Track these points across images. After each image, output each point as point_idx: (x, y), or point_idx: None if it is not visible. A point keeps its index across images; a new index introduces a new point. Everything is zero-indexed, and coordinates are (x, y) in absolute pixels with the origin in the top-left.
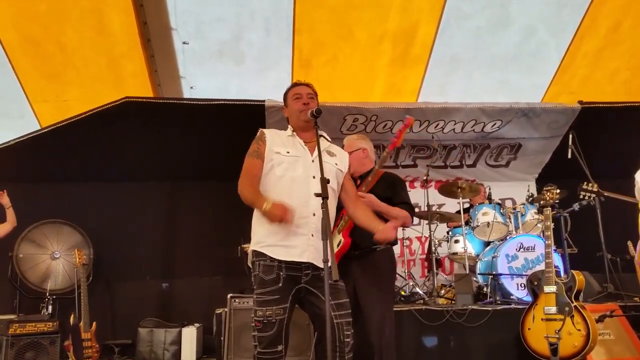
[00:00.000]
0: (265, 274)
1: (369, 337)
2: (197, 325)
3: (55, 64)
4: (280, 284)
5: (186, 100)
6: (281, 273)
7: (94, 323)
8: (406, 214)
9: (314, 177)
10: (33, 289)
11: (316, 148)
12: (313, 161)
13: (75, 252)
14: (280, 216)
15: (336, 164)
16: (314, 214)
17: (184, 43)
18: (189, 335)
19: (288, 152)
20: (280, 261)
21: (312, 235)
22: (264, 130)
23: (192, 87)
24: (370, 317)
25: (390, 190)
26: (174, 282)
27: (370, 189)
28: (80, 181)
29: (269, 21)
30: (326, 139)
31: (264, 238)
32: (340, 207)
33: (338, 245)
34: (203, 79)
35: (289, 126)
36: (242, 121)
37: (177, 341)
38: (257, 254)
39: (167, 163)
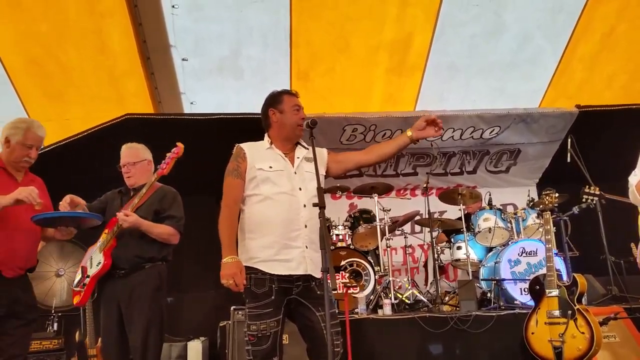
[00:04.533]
0: (257, 287)
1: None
2: (202, 338)
3: (56, 83)
4: (273, 297)
5: (187, 115)
6: (273, 286)
7: (99, 339)
8: (170, 230)
9: (300, 189)
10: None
11: (296, 159)
12: (296, 172)
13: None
14: (232, 278)
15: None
16: (306, 226)
17: (183, 60)
18: (195, 349)
19: (271, 167)
20: (272, 274)
21: (307, 247)
22: (242, 145)
23: (192, 103)
24: (134, 340)
25: (159, 204)
26: (179, 296)
27: (143, 202)
28: (83, 198)
29: (267, 36)
30: (303, 146)
31: (257, 253)
32: (104, 223)
33: (98, 266)
34: (203, 95)
35: (266, 137)
36: (243, 134)
37: (183, 355)
38: (248, 268)
39: (170, 178)
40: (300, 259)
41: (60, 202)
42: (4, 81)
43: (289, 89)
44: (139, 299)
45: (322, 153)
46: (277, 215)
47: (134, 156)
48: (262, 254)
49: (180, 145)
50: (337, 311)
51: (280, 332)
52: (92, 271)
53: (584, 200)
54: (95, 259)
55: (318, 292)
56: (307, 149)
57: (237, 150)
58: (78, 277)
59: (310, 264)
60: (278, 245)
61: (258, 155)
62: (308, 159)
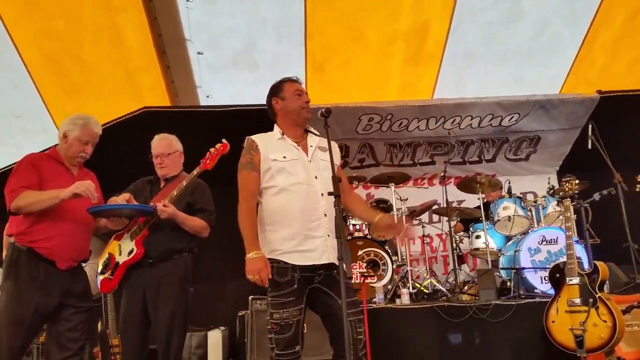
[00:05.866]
0: (280, 276)
1: (157, 347)
2: (222, 328)
3: (74, 79)
4: (296, 285)
5: (202, 107)
6: (295, 274)
7: None
8: (203, 223)
9: (316, 177)
10: None
11: (309, 147)
12: (310, 161)
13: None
14: (258, 273)
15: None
16: (325, 215)
17: (198, 53)
18: (215, 339)
19: (285, 157)
20: (295, 264)
21: (328, 235)
22: (253, 137)
23: (208, 96)
24: (159, 330)
25: (192, 196)
26: (200, 286)
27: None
28: (103, 190)
29: (281, 28)
30: (314, 134)
31: (279, 245)
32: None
33: (130, 254)
34: (218, 88)
35: (276, 127)
36: (259, 125)
37: (203, 344)
38: (270, 259)
39: (188, 169)
40: (323, 248)
41: (118, 198)
42: (24, 78)
43: (290, 76)
44: (166, 289)
45: (336, 149)
46: (296, 206)
47: (167, 147)
48: (284, 246)
49: (225, 142)
50: (357, 299)
51: (302, 321)
52: (122, 258)
53: (637, 189)
54: (126, 247)
55: (339, 280)
56: (319, 136)
57: (248, 143)
58: (102, 264)
59: (333, 252)
60: (300, 236)
61: (270, 146)
62: (322, 147)
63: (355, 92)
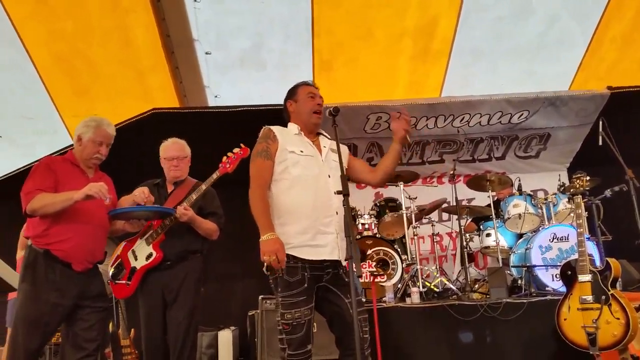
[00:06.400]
0: (290, 275)
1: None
2: (232, 328)
3: (83, 79)
4: (306, 284)
5: (211, 108)
6: (305, 274)
7: (132, 329)
8: (215, 227)
9: (329, 176)
10: None
11: (323, 147)
12: (323, 160)
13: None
14: (275, 254)
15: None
16: (337, 212)
17: (206, 53)
18: (225, 338)
19: (302, 152)
20: (304, 261)
21: (338, 233)
22: (272, 127)
23: (216, 96)
24: (175, 329)
25: (203, 200)
26: (210, 286)
27: (184, 197)
28: (110, 192)
29: (288, 27)
30: (326, 137)
31: (290, 239)
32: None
33: (148, 259)
34: (227, 88)
35: (293, 124)
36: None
37: (214, 344)
38: None
39: (198, 169)
40: (334, 244)
41: (137, 193)
42: (34, 79)
43: (306, 80)
44: (184, 289)
45: (344, 150)
46: (309, 200)
47: (181, 150)
48: (296, 240)
49: (244, 146)
50: (363, 299)
51: (312, 320)
52: (139, 263)
53: None
54: (142, 252)
55: (346, 279)
56: (330, 139)
57: (265, 132)
58: (113, 270)
59: (343, 251)
60: (313, 230)
61: (289, 138)
62: (334, 149)
63: (363, 90)
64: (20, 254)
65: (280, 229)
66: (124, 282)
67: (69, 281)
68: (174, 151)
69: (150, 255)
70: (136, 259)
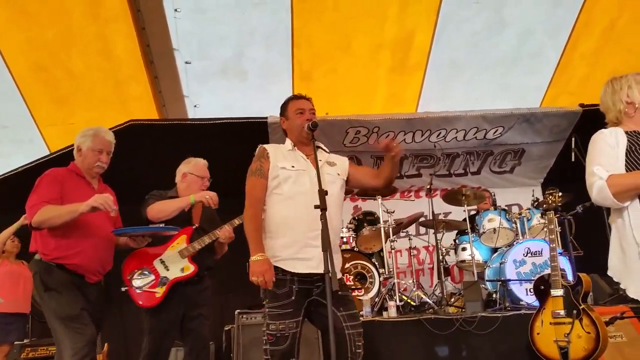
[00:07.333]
0: (278, 287)
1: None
2: (209, 343)
3: (62, 88)
4: (293, 297)
5: (190, 120)
6: (294, 286)
7: (106, 344)
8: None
9: None
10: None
11: (319, 161)
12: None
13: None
14: (263, 275)
15: (338, 174)
16: None
17: (186, 63)
18: None
19: (293, 167)
20: (292, 274)
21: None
22: (265, 146)
23: (195, 106)
24: (200, 340)
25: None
26: None
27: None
28: None
29: (269, 37)
30: (324, 150)
31: (278, 252)
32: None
33: (184, 271)
34: (207, 97)
35: (288, 140)
36: (246, 138)
37: None
38: None
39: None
40: (320, 257)
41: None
42: (11, 87)
43: (295, 94)
44: (208, 304)
45: (343, 162)
46: (297, 215)
47: (204, 171)
48: (283, 253)
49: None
50: (357, 312)
51: (299, 334)
52: (172, 274)
53: None
54: (174, 263)
55: (339, 293)
56: (328, 152)
57: (260, 151)
58: (140, 278)
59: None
60: (299, 244)
61: (281, 154)
62: (330, 162)
63: (343, 100)
64: None
65: (269, 242)
66: (153, 290)
67: (86, 291)
68: (205, 172)
69: (185, 268)
70: (167, 269)
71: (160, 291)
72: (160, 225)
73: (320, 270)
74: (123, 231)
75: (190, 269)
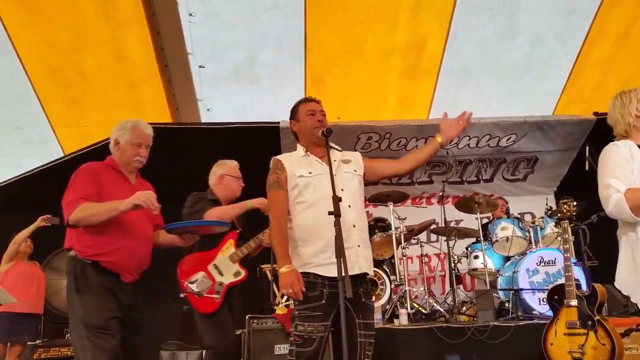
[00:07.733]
0: (309, 290)
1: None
2: None
3: (76, 90)
4: (324, 301)
5: (203, 124)
6: (324, 290)
7: None
8: None
9: (342, 190)
10: (57, 314)
11: (333, 162)
12: (335, 175)
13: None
14: (292, 287)
15: (355, 170)
16: (354, 225)
17: (200, 67)
18: None
19: (310, 173)
20: (324, 278)
21: (359, 245)
22: (278, 157)
23: (209, 109)
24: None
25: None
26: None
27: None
28: None
29: (281, 41)
30: (336, 149)
31: (311, 259)
32: (224, 233)
33: (237, 276)
34: (219, 101)
35: (299, 146)
36: (259, 142)
37: None
38: (301, 273)
39: (188, 185)
40: (354, 258)
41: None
42: (27, 89)
43: (306, 96)
44: (237, 306)
45: (357, 157)
46: (324, 219)
47: (236, 171)
48: (316, 259)
49: None
50: (374, 322)
51: (326, 339)
52: (227, 279)
53: None
54: (227, 268)
55: (363, 299)
56: (340, 151)
57: (274, 163)
58: (198, 284)
59: (364, 262)
60: (331, 248)
61: (295, 163)
62: (345, 160)
63: (354, 104)
64: (4, 267)
65: (301, 251)
66: (212, 296)
67: (122, 291)
68: (239, 172)
69: (238, 272)
70: (221, 275)
71: (218, 297)
72: (212, 219)
73: (355, 271)
74: (178, 225)
75: (242, 273)
